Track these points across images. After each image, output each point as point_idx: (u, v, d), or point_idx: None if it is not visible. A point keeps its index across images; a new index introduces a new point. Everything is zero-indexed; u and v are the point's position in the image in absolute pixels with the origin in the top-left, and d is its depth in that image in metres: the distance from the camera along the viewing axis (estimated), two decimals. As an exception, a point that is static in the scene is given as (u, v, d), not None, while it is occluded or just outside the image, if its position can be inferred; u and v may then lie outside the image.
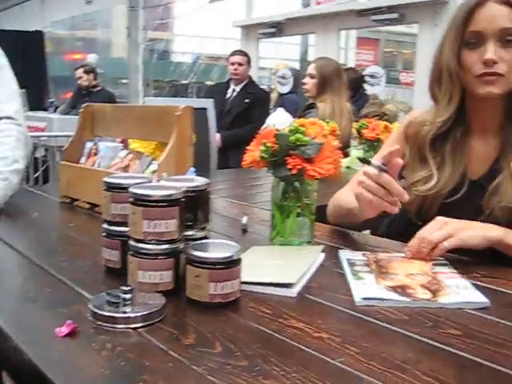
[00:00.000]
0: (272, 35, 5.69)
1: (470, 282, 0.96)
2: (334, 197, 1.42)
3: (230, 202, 1.77)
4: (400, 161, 1.07)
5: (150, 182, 0.98)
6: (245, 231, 1.32)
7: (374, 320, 0.80)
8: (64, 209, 1.56)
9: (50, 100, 6.41)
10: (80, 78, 5.99)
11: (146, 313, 0.77)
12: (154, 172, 1.35)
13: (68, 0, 8.46)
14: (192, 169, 1.18)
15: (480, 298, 0.88)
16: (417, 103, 4.05)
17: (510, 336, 0.76)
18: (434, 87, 1.28)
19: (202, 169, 2.49)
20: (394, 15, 4.38)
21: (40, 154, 4.91)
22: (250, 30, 5.99)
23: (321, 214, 1.61)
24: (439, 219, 1.08)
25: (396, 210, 1.07)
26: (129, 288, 0.79)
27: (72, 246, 1.16)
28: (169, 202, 0.85)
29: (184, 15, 8.39)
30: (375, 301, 0.87)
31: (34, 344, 0.70)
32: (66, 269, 1.00)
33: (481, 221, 1.13)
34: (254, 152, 1.14)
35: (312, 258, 1.05)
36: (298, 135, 1.09)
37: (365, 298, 0.87)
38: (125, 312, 0.77)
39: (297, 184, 1.16)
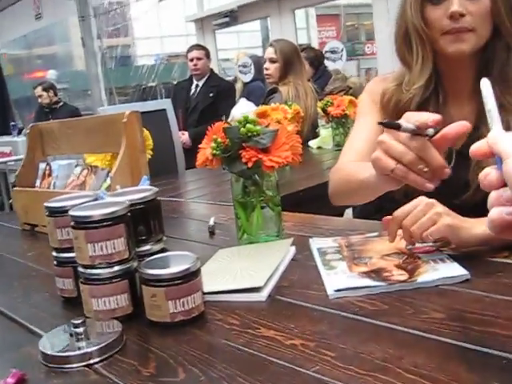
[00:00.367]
0: (227, 25, 5.59)
1: (447, 253, 0.90)
2: (335, 167, 1.22)
3: (199, 204, 1.70)
4: (465, 124, 0.73)
5: (95, 199, 0.91)
6: (212, 233, 1.25)
7: (349, 315, 0.74)
8: (24, 237, 1.49)
9: (13, 123, 6.26)
10: (40, 96, 5.85)
11: (102, 345, 0.70)
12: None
13: (17, 18, 8.26)
14: (144, 177, 1.11)
15: (459, 271, 0.82)
16: (381, 72, 3.99)
17: (496, 310, 0.70)
18: (403, 50, 1.18)
19: (168, 171, 2.44)
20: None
21: (11, 179, 4.79)
22: (204, 22, 5.89)
23: (289, 203, 1.55)
24: (419, 199, 0.90)
25: (431, 187, 0.74)
26: (79, 321, 0.72)
27: (28, 279, 1.09)
28: (112, 220, 0.78)
29: (137, 18, 8.25)
30: (349, 291, 0.81)
31: (-23, 402, 0.63)
32: (20, 305, 0.93)
33: (468, 197, 1.07)
34: (205, 150, 1.07)
35: (281, 254, 0.99)
36: (249, 126, 1.02)
37: (337, 290, 0.81)
38: (79, 348, 0.71)
39: (256, 177, 1.09)
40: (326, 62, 4.06)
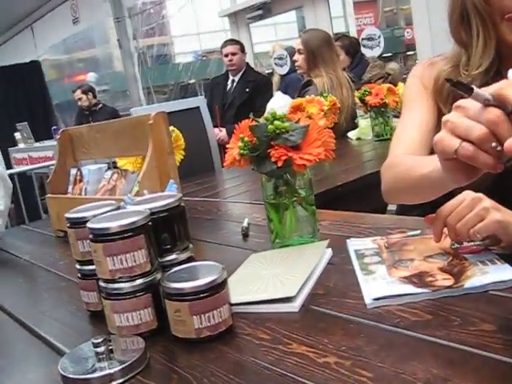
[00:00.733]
0: (261, 17, 5.50)
1: (496, 252, 0.82)
2: (388, 162, 1.10)
3: (234, 203, 1.65)
4: None
5: (117, 208, 0.87)
6: (246, 236, 1.20)
7: (389, 327, 0.67)
8: (58, 244, 1.47)
9: (54, 127, 6.37)
10: (80, 99, 5.93)
11: (124, 366, 0.66)
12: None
13: (56, 24, 8.38)
14: (171, 182, 1.07)
15: (511, 274, 0.74)
16: (421, 58, 3.85)
17: (555, 319, 0.63)
18: (459, 30, 1.05)
19: (204, 170, 2.40)
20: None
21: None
22: (238, 16, 5.82)
23: (326, 199, 1.48)
24: (463, 193, 0.81)
25: (500, 167, 0.58)
26: (100, 339, 0.68)
27: (58, 290, 1.06)
28: (131, 231, 0.73)
29: (172, 16, 8.26)
30: (389, 299, 0.74)
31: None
32: (46, 319, 0.90)
33: None
34: (233, 150, 1.02)
35: (316, 258, 0.93)
36: (277, 122, 0.96)
37: (376, 299, 0.74)
38: (101, 369, 0.67)
39: (287, 176, 1.03)
40: (364, 50, 3.94)
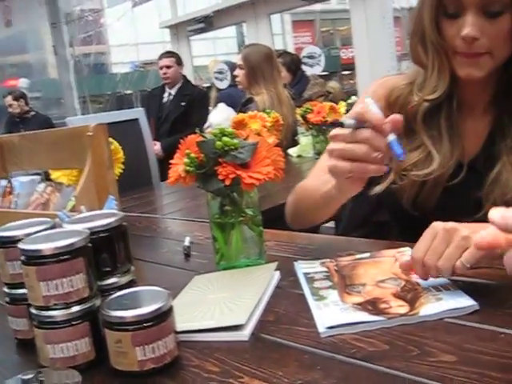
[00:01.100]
0: (202, 31, 5.48)
1: (449, 278, 0.81)
2: (294, 192, 1.18)
3: (174, 220, 1.59)
4: (399, 116, 0.80)
5: (52, 226, 0.80)
6: (188, 256, 1.15)
7: (345, 358, 0.64)
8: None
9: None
10: (10, 105, 5.69)
11: (55, 405, 0.60)
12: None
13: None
14: (110, 198, 1.00)
15: (466, 301, 0.73)
16: (360, 78, 3.94)
17: (514, 350, 0.61)
18: (418, 51, 1.06)
19: (142, 184, 2.33)
20: (323, -9, 4.22)
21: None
22: (179, 28, 5.77)
23: (269, 218, 1.45)
24: (433, 226, 0.77)
25: (385, 168, 0.81)
26: (30, 376, 0.61)
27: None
28: (69, 253, 0.67)
29: (111, 25, 8.10)
30: (343, 328, 0.71)
31: None
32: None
33: (481, 217, 0.93)
34: (177, 166, 0.97)
35: (265, 281, 0.89)
36: (225, 139, 0.92)
37: (330, 327, 0.71)
38: (29, 410, 0.60)
39: (235, 195, 0.99)
40: (304, 68, 3.98)
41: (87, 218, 0.80)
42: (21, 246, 0.68)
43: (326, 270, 0.93)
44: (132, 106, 7.70)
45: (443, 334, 0.67)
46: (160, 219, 1.63)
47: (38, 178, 1.44)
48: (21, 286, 0.75)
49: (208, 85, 5.85)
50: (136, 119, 2.28)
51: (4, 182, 1.46)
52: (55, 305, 0.67)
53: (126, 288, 0.74)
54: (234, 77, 4.23)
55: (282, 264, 0.97)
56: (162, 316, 0.66)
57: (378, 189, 1.10)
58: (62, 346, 0.68)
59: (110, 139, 1.40)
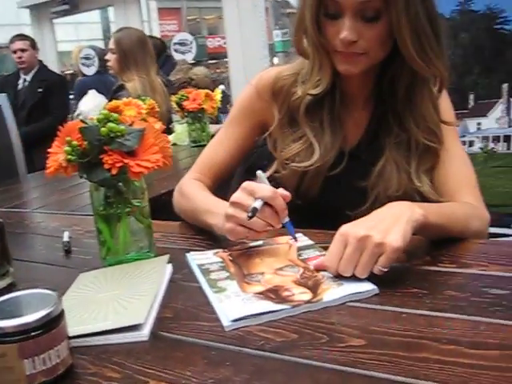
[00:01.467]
0: (66, 13, 5.16)
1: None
2: (183, 185, 1.16)
3: (47, 214, 1.47)
4: (287, 194, 0.88)
5: None
6: (68, 252, 1.06)
7: (255, 351, 0.62)
8: None
9: None
10: None
11: None
12: None
13: None
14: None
15: (366, 285, 0.74)
16: (232, 66, 3.94)
17: (417, 329, 0.63)
18: (301, 45, 1.07)
19: (7, 176, 2.14)
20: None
21: None
22: (41, 9, 5.38)
23: (152, 209, 1.39)
24: (342, 233, 0.76)
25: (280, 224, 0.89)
26: None
27: None
28: None
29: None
30: (249, 319, 0.68)
31: None
32: None
33: (365, 210, 0.97)
34: (57, 155, 0.89)
35: (158, 275, 0.84)
36: (111, 125, 0.86)
37: (235, 320, 0.68)
38: None
39: (121, 185, 0.92)
40: (175, 55, 3.90)
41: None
42: None
43: (220, 260, 0.90)
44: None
45: (349, 319, 0.67)
46: (32, 214, 1.50)
47: None
48: None
49: (71, 72, 5.56)
50: (-3, 106, 2.08)
51: None
52: None
53: (5, 293, 0.65)
54: (101, 62, 4.06)
55: (172, 256, 0.93)
56: (53, 322, 0.59)
57: None
58: None
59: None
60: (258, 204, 0.84)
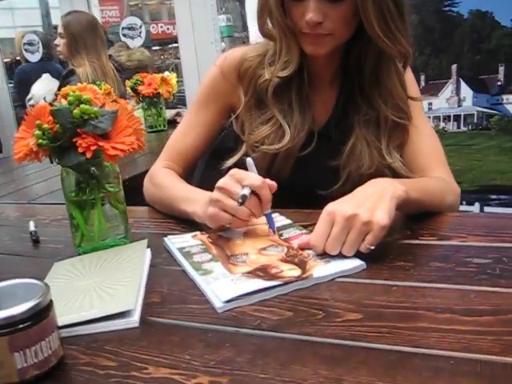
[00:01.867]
0: (2, -2, 4.94)
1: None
2: (153, 174, 1.14)
3: (6, 205, 1.41)
4: (274, 184, 0.86)
5: None
6: (36, 242, 1.02)
7: (253, 331, 0.61)
8: None
9: None
10: None
11: None
12: None
13: None
14: None
15: (353, 261, 0.74)
16: (184, 50, 3.87)
17: (410, 300, 0.64)
18: (266, 28, 1.06)
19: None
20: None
21: None
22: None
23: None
24: (329, 212, 0.76)
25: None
26: None
27: None
28: None
29: None
30: (241, 300, 0.67)
31: None
32: None
33: (337, 189, 1.02)
34: (26, 140, 0.84)
35: (140, 261, 0.82)
36: (84, 107, 0.82)
37: (228, 301, 0.67)
38: None
39: (94, 170, 0.89)
40: (124, 39, 3.79)
41: None
42: None
43: (200, 242, 0.89)
44: None
45: (341, 294, 0.67)
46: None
47: None
48: None
49: (8, 59, 5.35)
50: None
51: None
52: None
53: (-15, 284, 0.62)
54: (46, 49, 3.92)
55: (152, 242, 0.90)
56: (43, 312, 0.56)
57: (230, 162, 1.10)
58: None
59: None
60: (246, 191, 0.83)
